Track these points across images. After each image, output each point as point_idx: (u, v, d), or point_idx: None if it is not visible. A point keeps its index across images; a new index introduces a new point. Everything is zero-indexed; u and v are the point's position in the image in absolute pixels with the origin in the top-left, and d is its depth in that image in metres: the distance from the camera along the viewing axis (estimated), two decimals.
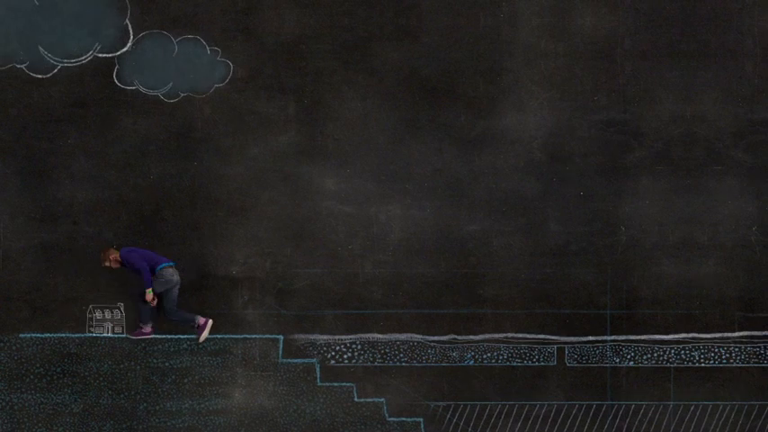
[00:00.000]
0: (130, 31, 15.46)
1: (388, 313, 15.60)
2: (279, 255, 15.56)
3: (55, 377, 15.23)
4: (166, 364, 15.27)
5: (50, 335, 15.31)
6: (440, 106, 15.63)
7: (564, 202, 15.66)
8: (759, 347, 15.61)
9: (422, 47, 15.63)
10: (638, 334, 15.62)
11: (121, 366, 15.26)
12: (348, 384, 15.45)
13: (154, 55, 15.47)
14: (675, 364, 15.62)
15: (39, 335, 15.32)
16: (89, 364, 15.26)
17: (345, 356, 15.55)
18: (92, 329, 15.37)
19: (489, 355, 15.59)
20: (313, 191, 15.62)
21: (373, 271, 15.61)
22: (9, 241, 15.47)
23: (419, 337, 15.60)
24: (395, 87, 15.64)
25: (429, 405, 15.57)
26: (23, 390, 15.22)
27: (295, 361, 15.43)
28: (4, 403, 15.20)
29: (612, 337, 15.61)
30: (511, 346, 15.61)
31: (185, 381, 15.29)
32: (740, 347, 15.61)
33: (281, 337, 15.46)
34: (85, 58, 15.44)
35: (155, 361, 15.25)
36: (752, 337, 15.62)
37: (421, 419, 15.51)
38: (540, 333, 15.62)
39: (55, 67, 15.42)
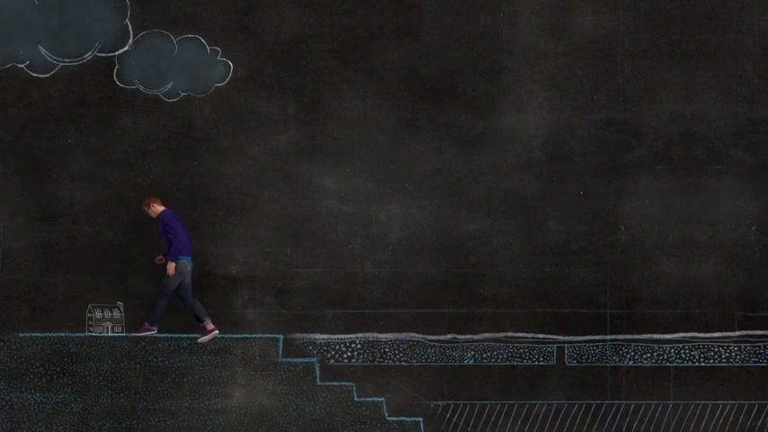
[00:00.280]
0: (130, 31, 15.46)
1: (388, 313, 15.60)
2: (279, 254, 15.56)
3: (55, 376, 15.23)
4: (166, 363, 15.26)
5: (50, 334, 15.31)
6: (440, 106, 15.63)
7: (564, 201, 15.66)
8: (759, 347, 15.61)
9: (422, 46, 15.63)
10: (637, 333, 15.61)
11: (121, 365, 15.25)
12: (348, 384, 15.44)
13: (154, 54, 15.48)
14: (675, 364, 15.61)
15: (38, 334, 15.31)
16: (89, 364, 15.25)
17: (345, 356, 15.55)
18: (91, 329, 15.37)
19: (489, 354, 15.59)
20: (313, 190, 15.62)
21: (373, 270, 15.61)
22: (9, 241, 15.47)
23: (419, 336, 15.60)
24: (395, 87, 15.64)
25: (429, 404, 15.56)
26: (23, 389, 15.22)
27: (295, 360, 15.42)
28: (4, 402, 15.20)
29: (612, 337, 15.61)
30: (511, 345, 15.60)
31: (185, 380, 15.29)
32: (740, 347, 15.61)
33: (281, 336, 15.46)
34: (85, 58, 15.44)
35: (154, 360, 15.24)
36: (751, 336, 15.62)
37: (420, 419, 15.50)
38: (539, 332, 15.61)
39: (55, 66, 15.42)
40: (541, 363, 15.60)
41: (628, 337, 15.61)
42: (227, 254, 15.54)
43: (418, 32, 15.63)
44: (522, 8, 15.65)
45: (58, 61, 15.41)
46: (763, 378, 15.61)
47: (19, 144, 15.49)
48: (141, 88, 15.50)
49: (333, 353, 15.54)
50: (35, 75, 15.43)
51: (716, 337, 15.62)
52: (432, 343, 15.60)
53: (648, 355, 15.61)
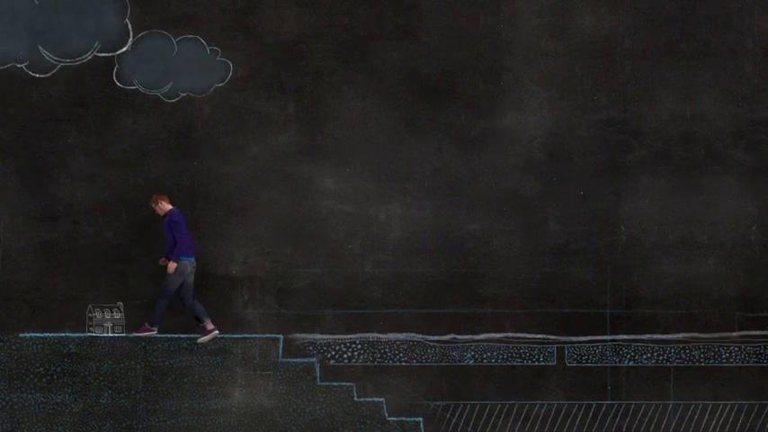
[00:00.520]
0: (130, 31, 15.45)
1: (388, 313, 15.60)
2: (279, 254, 15.56)
3: (55, 377, 15.23)
4: (166, 363, 15.26)
5: (50, 334, 15.31)
6: (440, 106, 15.63)
7: (564, 201, 15.66)
8: (759, 347, 15.61)
9: (422, 46, 15.62)
10: (637, 333, 15.62)
11: (121, 366, 15.26)
12: (348, 384, 15.44)
13: (154, 54, 15.47)
14: (675, 364, 15.62)
15: (39, 334, 15.31)
16: (89, 364, 15.25)
17: (345, 356, 15.55)
18: (91, 329, 15.37)
19: (489, 354, 15.59)
20: (313, 190, 15.62)
21: (373, 270, 15.61)
22: (9, 241, 15.47)
23: (419, 336, 15.60)
24: (395, 87, 15.63)
25: (429, 404, 15.56)
26: (23, 389, 15.22)
27: (295, 360, 15.42)
28: (4, 403, 15.20)
29: (612, 337, 15.61)
30: (511, 345, 15.60)
31: (185, 380, 15.29)
32: (740, 347, 15.61)
33: (281, 336, 15.46)
34: (85, 58, 15.44)
35: (154, 360, 15.24)
36: (751, 336, 15.62)
37: (420, 419, 15.50)
38: (539, 333, 15.61)
39: (55, 66, 15.42)
40: (541, 363, 15.60)
41: (628, 337, 15.62)
42: (227, 254, 15.54)
43: (418, 32, 15.63)
44: (522, 8, 15.65)
45: (58, 61, 15.41)
46: (763, 378, 15.62)
47: (19, 144, 15.48)
48: (141, 88, 15.50)
49: (333, 353, 15.54)
50: (35, 75, 15.43)
51: (716, 337, 15.62)
52: (432, 343, 15.61)
53: (648, 355, 15.61)
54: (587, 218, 15.67)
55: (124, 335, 15.33)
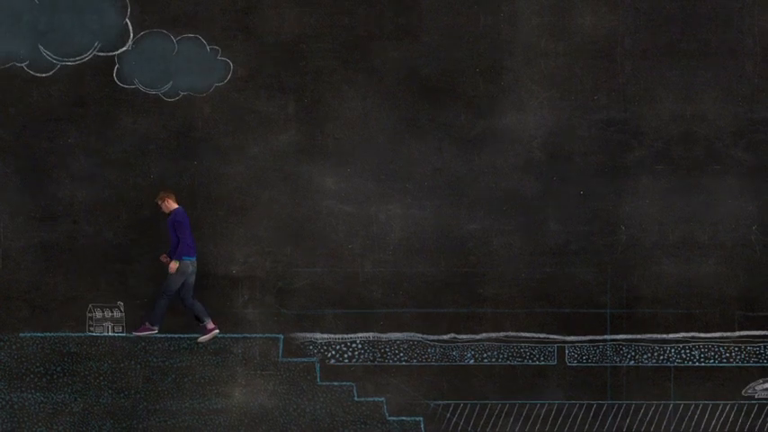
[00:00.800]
0: (130, 30, 15.45)
1: (388, 312, 15.60)
2: (279, 254, 15.56)
3: (55, 376, 15.22)
4: (166, 363, 15.26)
5: (50, 334, 15.30)
6: (440, 106, 15.63)
7: (564, 201, 15.66)
8: (759, 347, 15.61)
9: (422, 46, 15.63)
10: (638, 333, 15.62)
11: (121, 365, 15.25)
12: (348, 383, 15.44)
13: (154, 54, 15.47)
14: (675, 364, 15.62)
15: (39, 334, 15.30)
16: (89, 364, 15.25)
17: (345, 356, 15.55)
18: (92, 329, 15.37)
19: (489, 354, 15.59)
20: (313, 190, 15.62)
21: (373, 270, 15.61)
22: (9, 240, 15.46)
23: (419, 336, 15.60)
24: (395, 87, 15.64)
25: (429, 404, 15.56)
26: (23, 389, 15.21)
27: (295, 360, 15.42)
28: (4, 402, 15.19)
29: (612, 337, 15.61)
30: (511, 345, 15.60)
31: (185, 380, 15.28)
32: (740, 347, 15.62)
33: (282, 336, 15.46)
34: (85, 57, 15.43)
35: (155, 360, 15.24)
36: (751, 336, 15.62)
37: (421, 418, 15.50)
38: (540, 332, 15.62)
39: (55, 65, 15.41)
40: (542, 363, 15.61)
41: (628, 337, 15.62)
42: (227, 254, 15.54)
43: (418, 32, 15.63)
44: (522, 8, 15.66)
45: (58, 61, 15.40)
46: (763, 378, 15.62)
47: (19, 144, 15.48)
48: (141, 88, 15.50)
49: (333, 353, 15.54)
50: (35, 74, 15.42)
51: (716, 337, 15.63)
52: (432, 343, 15.60)
53: (649, 355, 15.61)
54: (587, 218, 15.67)
55: (124, 334, 15.32)
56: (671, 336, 15.63)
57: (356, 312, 15.58)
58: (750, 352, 15.61)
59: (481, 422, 15.56)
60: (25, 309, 15.41)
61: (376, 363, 15.57)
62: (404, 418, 15.48)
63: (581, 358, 15.59)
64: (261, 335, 15.44)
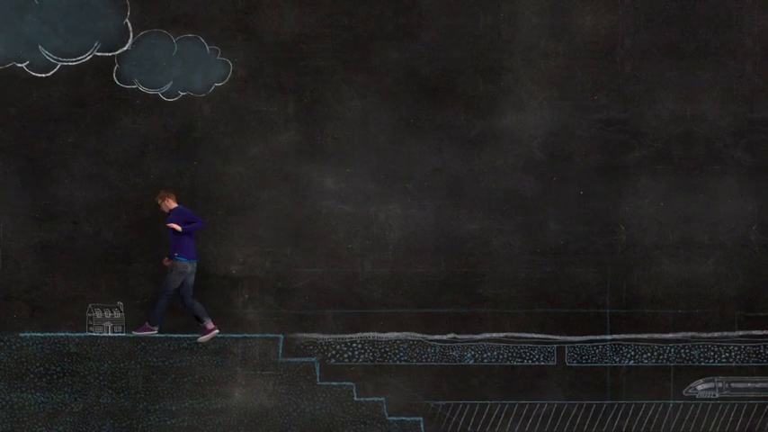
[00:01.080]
0: (130, 30, 15.45)
1: (388, 312, 15.60)
2: (279, 254, 15.56)
3: (55, 376, 15.22)
4: (166, 363, 15.26)
5: (50, 334, 15.30)
6: (439, 106, 15.63)
7: (563, 201, 15.66)
8: (759, 347, 15.61)
9: (422, 46, 15.63)
10: (637, 333, 15.62)
11: (121, 365, 15.25)
12: (348, 383, 15.44)
13: (153, 54, 15.48)
14: (675, 363, 15.62)
15: (38, 334, 15.31)
16: (89, 364, 15.25)
17: (345, 356, 15.55)
18: (91, 329, 15.37)
19: (489, 354, 15.59)
20: (313, 190, 15.62)
21: (373, 270, 15.61)
22: (9, 241, 15.46)
23: (419, 336, 15.60)
24: (394, 87, 15.64)
25: (429, 404, 15.56)
26: (23, 389, 15.21)
27: (295, 360, 15.42)
28: (4, 402, 15.19)
29: (612, 337, 15.61)
30: (511, 345, 15.60)
31: (185, 380, 15.28)
32: (740, 347, 15.61)
33: (281, 336, 15.46)
34: (85, 57, 15.44)
35: (154, 360, 15.24)
36: (751, 336, 15.62)
37: (421, 418, 15.50)
38: (539, 332, 15.61)
39: (55, 66, 15.42)
40: (541, 363, 15.60)
41: (628, 336, 15.62)
42: (227, 254, 15.54)
43: (418, 32, 15.63)
44: (522, 8, 15.65)
45: (58, 61, 15.41)
46: (763, 378, 15.62)
47: (19, 144, 15.48)
48: (141, 88, 15.50)
49: (333, 353, 15.54)
50: (35, 74, 15.43)
51: (716, 337, 15.62)
52: (432, 343, 15.60)
53: (648, 354, 15.61)
54: (587, 218, 15.67)
55: (124, 335, 15.32)
56: (671, 335, 15.62)
57: (356, 312, 15.58)
58: (750, 352, 15.61)
59: (481, 422, 15.56)
60: (25, 309, 15.42)
61: (376, 363, 15.57)
62: (404, 418, 15.48)
63: (581, 358, 15.59)
64: (261, 335, 15.44)
